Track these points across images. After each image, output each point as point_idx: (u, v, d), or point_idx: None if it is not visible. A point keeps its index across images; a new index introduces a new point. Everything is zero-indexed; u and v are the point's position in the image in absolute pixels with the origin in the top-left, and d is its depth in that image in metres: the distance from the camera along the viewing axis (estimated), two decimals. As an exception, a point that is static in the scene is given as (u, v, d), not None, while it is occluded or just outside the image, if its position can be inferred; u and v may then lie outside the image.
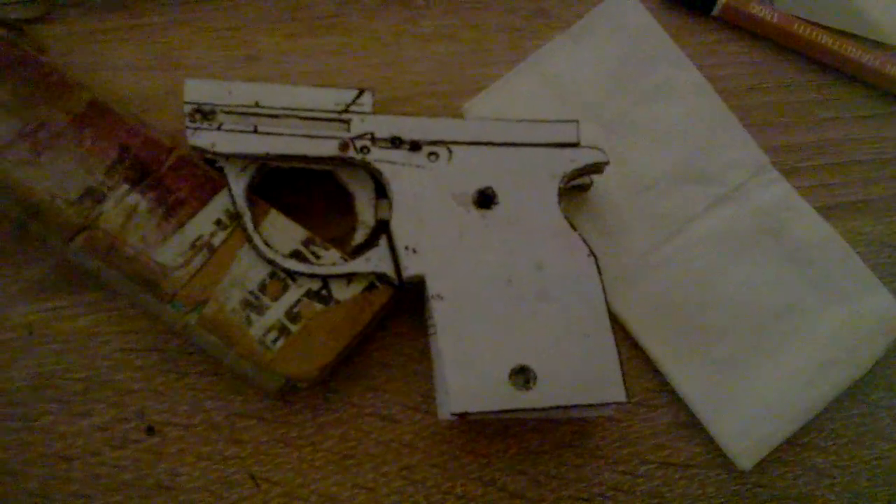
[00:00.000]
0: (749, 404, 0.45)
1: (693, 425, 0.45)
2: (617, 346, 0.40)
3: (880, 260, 0.49)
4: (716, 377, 0.45)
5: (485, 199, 0.41)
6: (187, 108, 0.41)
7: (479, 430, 0.44)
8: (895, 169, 0.51)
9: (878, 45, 0.52)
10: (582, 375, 0.39)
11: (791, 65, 0.52)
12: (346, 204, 0.43)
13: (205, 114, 0.41)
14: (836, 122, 0.51)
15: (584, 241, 0.41)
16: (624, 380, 0.39)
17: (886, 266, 0.49)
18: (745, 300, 0.46)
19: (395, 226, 0.41)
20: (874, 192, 0.50)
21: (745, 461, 0.44)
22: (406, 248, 0.40)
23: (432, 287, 0.40)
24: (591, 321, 0.40)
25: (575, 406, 0.39)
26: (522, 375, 0.39)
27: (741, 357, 0.45)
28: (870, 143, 0.51)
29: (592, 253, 0.41)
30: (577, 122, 0.42)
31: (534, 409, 0.39)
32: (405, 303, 0.44)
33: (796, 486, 0.45)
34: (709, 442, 0.45)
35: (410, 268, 0.40)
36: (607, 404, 0.39)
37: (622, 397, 0.39)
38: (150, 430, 0.43)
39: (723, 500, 0.44)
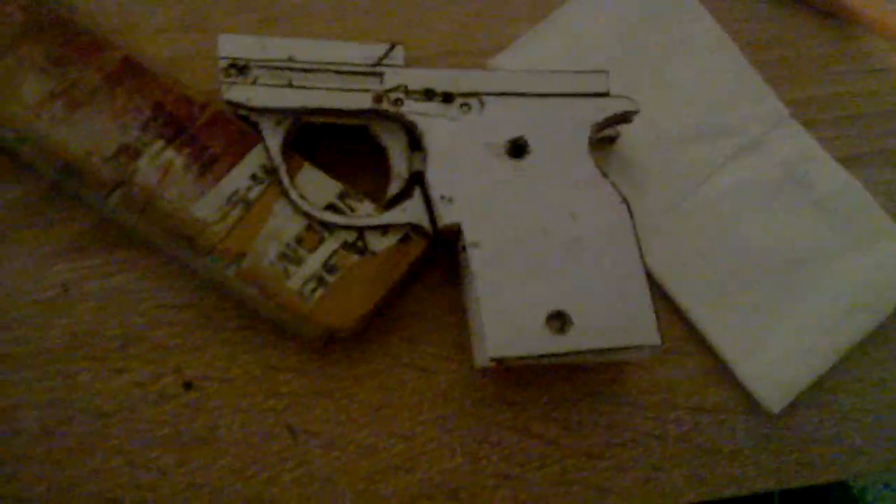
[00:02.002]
0: (776, 349, 0.46)
1: (722, 371, 0.46)
2: (651, 291, 0.40)
3: (898, 208, 0.50)
4: (743, 323, 0.46)
5: (517, 149, 0.42)
6: (222, 63, 0.41)
7: (513, 379, 0.45)
8: (912, 120, 0.52)
9: (893, -2, 0.53)
10: (616, 319, 0.40)
11: (808, 19, 0.53)
12: (379, 158, 0.43)
13: (239, 68, 0.41)
14: (853, 74, 0.52)
15: (616, 187, 0.41)
16: (658, 323, 0.40)
17: (906, 215, 0.49)
18: (769, 248, 0.47)
19: (430, 176, 0.41)
20: (891, 143, 0.51)
21: (774, 404, 0.45)
22: (441, 197, 0.41)
23: (469, 235, 0.40)
24: (625, 266, 0.41)
25: (610, 349, 0.40)
26: (558, 320, 0.40)
27: (767, 303, 0.46)
28: (885, 95, 0.52)
29: (625, 200, 0.41)
30: (606, 72, 0.43)
31: (570, 353, 0.39)
32: (437, 256, 0.44)
33: (823, 429, 0.46)
34: (738, 387, 0.46)
35: (446, 217, 0.40)
36: (641, 348, 0.40)
37: (656, 340, 0.40)
38: (188, 385, 0.43)
39: (752, 443, 0.45)
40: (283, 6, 0.49)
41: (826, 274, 0.47)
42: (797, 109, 0.50)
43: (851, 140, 0.51)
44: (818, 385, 0.46)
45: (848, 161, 0.49)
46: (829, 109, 0.51)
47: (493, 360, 0.39)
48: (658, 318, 0.40)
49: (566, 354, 0.39)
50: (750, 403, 0.46)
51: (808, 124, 0.50)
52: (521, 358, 0.39)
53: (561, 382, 0.45)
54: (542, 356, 0.39)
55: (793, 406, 0.46)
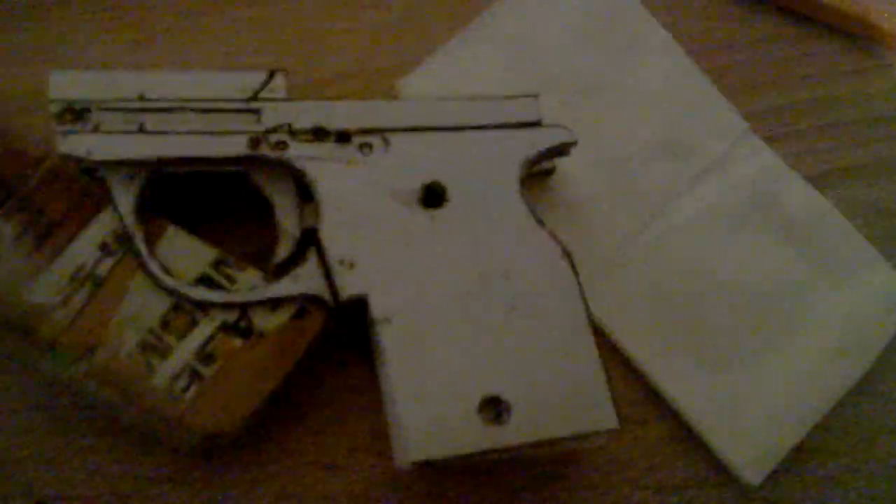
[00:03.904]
0: (751, 409, 0.39)
1: (687, 439, 0.39)
2: (603, 362, 0.33)
3: (877, 230, 0.43)
4: (711, 381, 0.39)
5: (433, 197, 0.34)
6: (55, 108, 0.33)
7: (442, 469, 0.37)
8: (886, 128, 0.46)
9: (859, -11, 0.46)
10: (564, 402, 0.32)
11: (764, 16, 0.47)
12: (262, 213, 0.35)
13: (77, 113, 0.33)
14: (818, 79, 0.46)
15: (556, 238, 0.34)
16: (614, 402, 0.33)
17: (885, 237, 0.43)
18: (736, 288, 0.41)
19: (326, 235, 0.33)
20: (865, 155, 0.45)
21: (754, 475, 0.38)
22: (341, 262, 0.33)
23: (377, 309, 0.33)
24: (570, 335, 0.33)
25: (559, 440, 0.32)
26: (493, 408, 0.32)
27: (738, 355, 0.40)
28: (855, 101, 0.46)
29: (566, 253, 0.34)
30: (536, 96, 0.36)
31: (510, 448, 0.32)
32: (346, 323, 0.36)
33: (809, 497, 0.39)
34: (707, 457, 0.39)
35: (348, 286, 0.33)
36: (597, 434, 0.33)
37: (613, 424, 0.33)
38: (41, 507, 0.35)
39: (728, 521, 0.39)
40: (149, 28, 0.42)
41: (804, 315, 0.40)
42: (758, 122, 0.44)
43: (822, 155, 0.44)
44: (798, 447, 0.39)
45: (818, 179, 0.43)
46: (794, 121, 0.45)
47: (414, 462, 0.31)
48: (613, 394, 0.33)
49: (506, 449, 0.32)
50: (723, 475, 0.39)
51: (772, 139, 0.43)
52: (450, 459, 0.32)
53: (504, 468, 0.38)
54: (476, 454, 0.32)
55: (770, 473, 0.39)
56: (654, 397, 0.39)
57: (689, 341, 0.40)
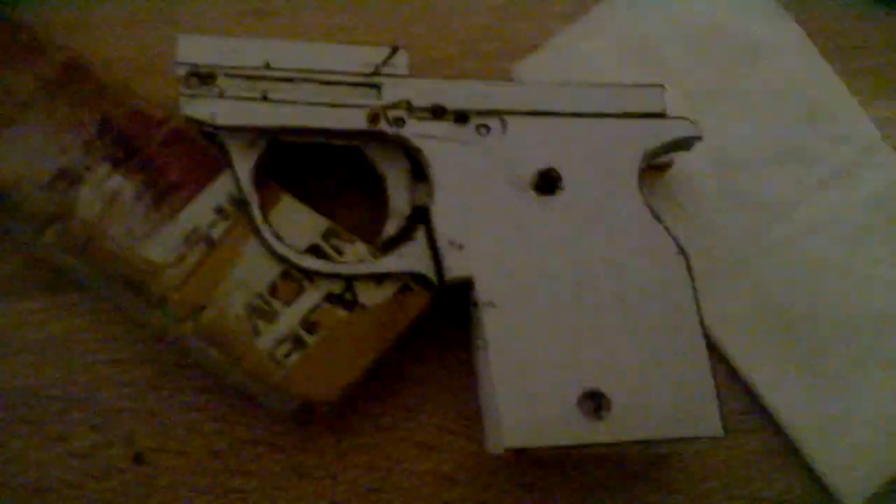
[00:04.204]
0: (857, 429, 0.38)
1: (787, 453, 0.38)
2: (712, 365, 0.32)
3: None
4: (818, 396, 0.38)
5: (547, 183, 0.34)
6: (181, 71, 0.33)
7: (534, 459, 0.37)
8: None
9: None
10: (667, 403, 0.32)
11: (902, 19, 0.44)
12: (375, 187, 0.35)
13: (203, 77, 0.33)
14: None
15: (672, 235, 0.33)
16: (720, 408, 0.32)
17: None
18: (854, 303, 0.39)
19: (437, 215, 0.33)
20: None
21: (852, 498, 0.37)
22: (450, 242, 0.33)
23: (482, 292, 0.32)
24: (681, 335, 0.33)
25: (658, 441, 0.32)
26: (593, 402, 0.32)
27: (850, 371, 0.38)
28: None
29: (682, 250, 0.33)
30: (662, 86, 0.35)
31: (608, 445, 0.31)
32: (445, 304, 0.36)
33: (911, 527, 0.38)
34: (806, 473, 0.38)
35: (455, 267, 0.33)
36: (698, 439, 0.32)
37: (718, 431, 0.32)
38: (139, 458, 0.36)
39: (824, 543, 0.37)
40: (267, -2, 0.42)
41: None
42: (891, 129, 0.42)
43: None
44: (901, 469, 0.38)
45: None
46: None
47: (508, 449, 0.31)
48: (720, 399, 0.32)
49: (602, 445, 0.31)
50: (820, 493, 0.37)
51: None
52: (546, 449, 0.31)
53: (594, 465, 0.37)
54: (571, 447, 0.31)
55: (872, 497, 0.37)
56: (756, 407, 0.38)
57: (798, 354, 0.38)
